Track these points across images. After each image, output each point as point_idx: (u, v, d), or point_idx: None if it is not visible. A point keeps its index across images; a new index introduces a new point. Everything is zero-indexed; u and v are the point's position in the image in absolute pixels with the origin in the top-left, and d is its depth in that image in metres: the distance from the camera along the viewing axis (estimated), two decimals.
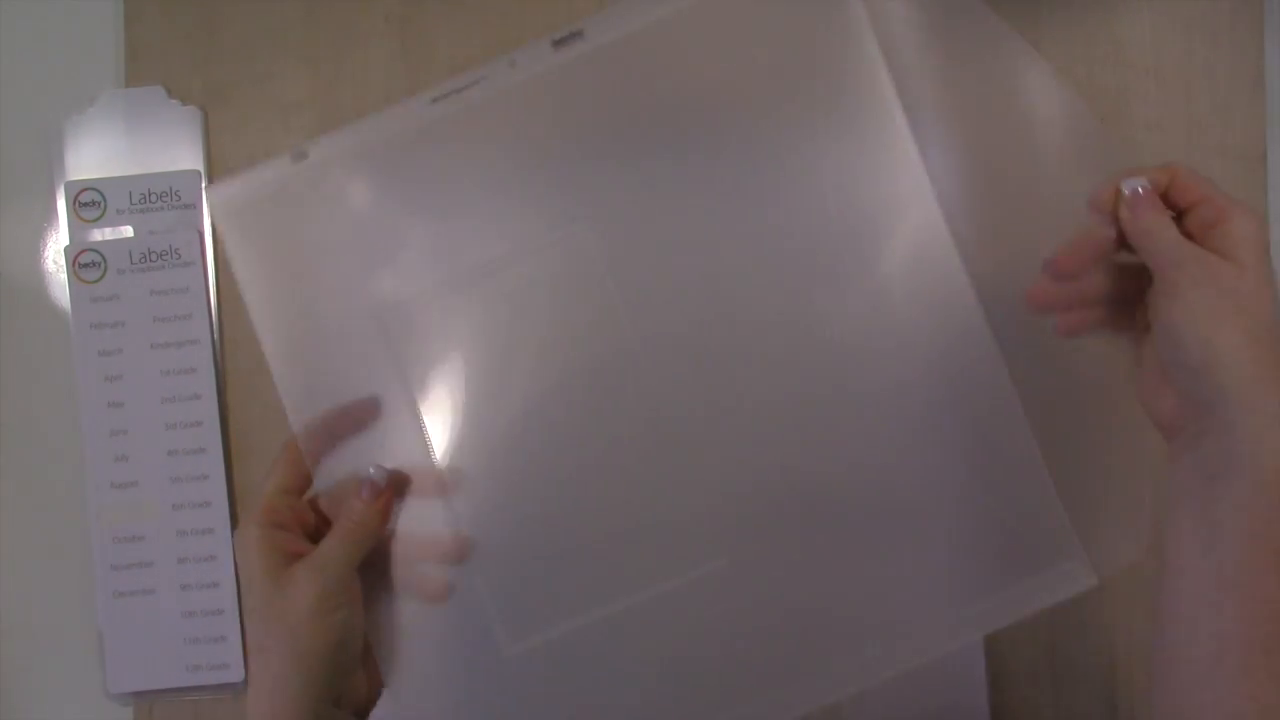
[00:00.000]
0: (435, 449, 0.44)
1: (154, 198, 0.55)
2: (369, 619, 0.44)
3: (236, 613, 0.54)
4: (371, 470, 0.44)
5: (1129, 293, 0.42)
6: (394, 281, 0.45)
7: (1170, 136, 0.55)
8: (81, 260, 0.55)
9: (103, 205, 0.55)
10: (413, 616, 0.44)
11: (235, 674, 0.54)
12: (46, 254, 0.57)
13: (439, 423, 0.44)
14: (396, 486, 0.44)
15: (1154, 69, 0.55)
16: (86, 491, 0.55)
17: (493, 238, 0.45)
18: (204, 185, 0.55)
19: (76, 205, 0.55)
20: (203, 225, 0.55)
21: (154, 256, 0.55)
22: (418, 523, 0.44)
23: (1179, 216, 0.40)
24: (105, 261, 0.55)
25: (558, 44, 0.44)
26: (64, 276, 0.55)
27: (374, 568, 0.44)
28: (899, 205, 0.44)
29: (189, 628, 0.54)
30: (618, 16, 0.44)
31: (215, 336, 0.55)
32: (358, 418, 0.45)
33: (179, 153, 0.56)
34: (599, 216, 0.44)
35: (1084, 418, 0.45)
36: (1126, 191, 0.40)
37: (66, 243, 0.55)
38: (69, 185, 0.55)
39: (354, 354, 0.45)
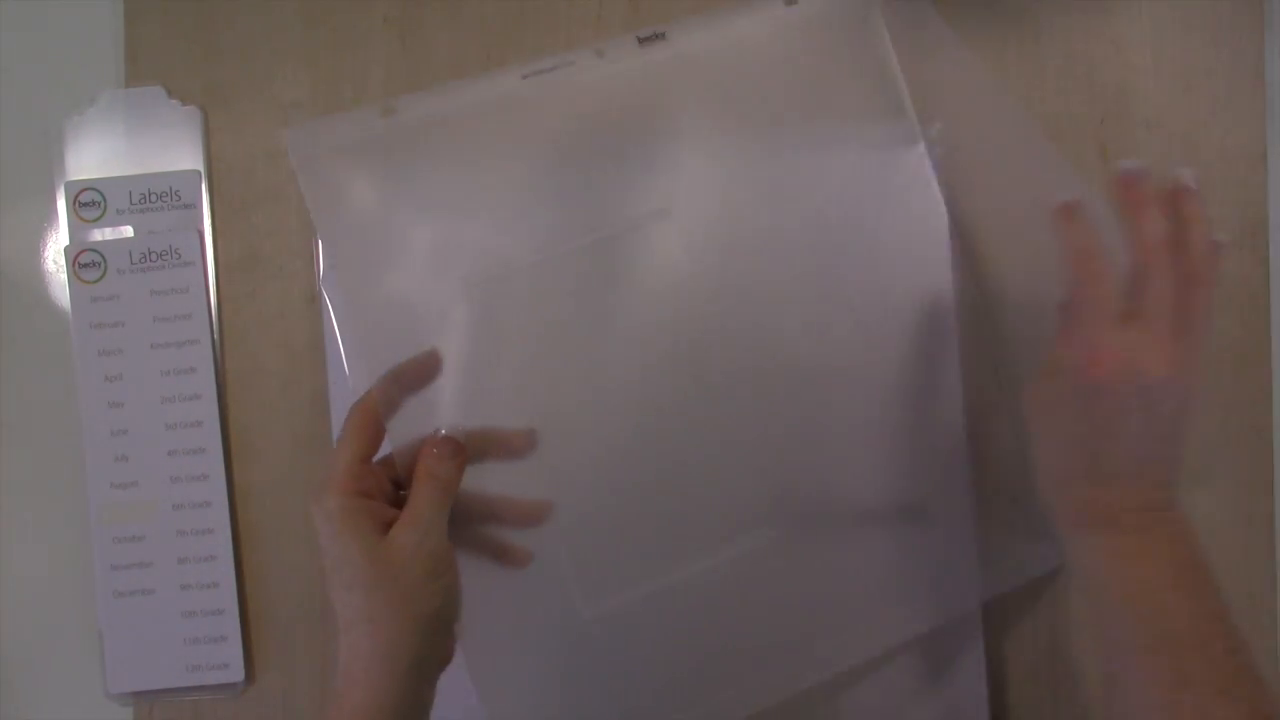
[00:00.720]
0: (510, 415, 0.45)
1: (154, 198, 0.55)
2: None
3: (236, 613, 0.54)
4: (442, 430, 0.43)
5: None
6: (475, 248, 0.45)
7: (1170, 136, 0.55)
8: (81, 260, 0.55)
9: (103, 205, 0.55)
10: (489, 579, 0.44)
11: (235, 674, 0.54)
12: (46, 254, 0.57)
13: (515, 391, 0.45)
14: (473, 446, 0.44)
15: (1154, 69, 0.55)
16: (86, 491, 0.55)
17: (567, 211, 0.46)
18: (203, 185, 0.55)
19: (76, 205, 0.55)
20: (203, 225, 0.55)
21: (154, 256, 0.55)
22: (498, 486, 0.44)
23: None
24: (105, 261, 0.55)
25: (642, 41, 0.47)
26: (64, 276, 0.55)
27: (454, 530, 0.43)
28: (908, 212, 0.49)
29: (189, 628, 0.54)
30: (700, 23, 0.48)
31: (215, 336, 0.55)
32: (424, 371, 0.44)
33: (179, 153, 0.56)
34: (668, 196, 0.47)
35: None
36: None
37: (66, 243, 0.55)
38: (69, 185, 0.55)
39: (428, 317, 0.45)
